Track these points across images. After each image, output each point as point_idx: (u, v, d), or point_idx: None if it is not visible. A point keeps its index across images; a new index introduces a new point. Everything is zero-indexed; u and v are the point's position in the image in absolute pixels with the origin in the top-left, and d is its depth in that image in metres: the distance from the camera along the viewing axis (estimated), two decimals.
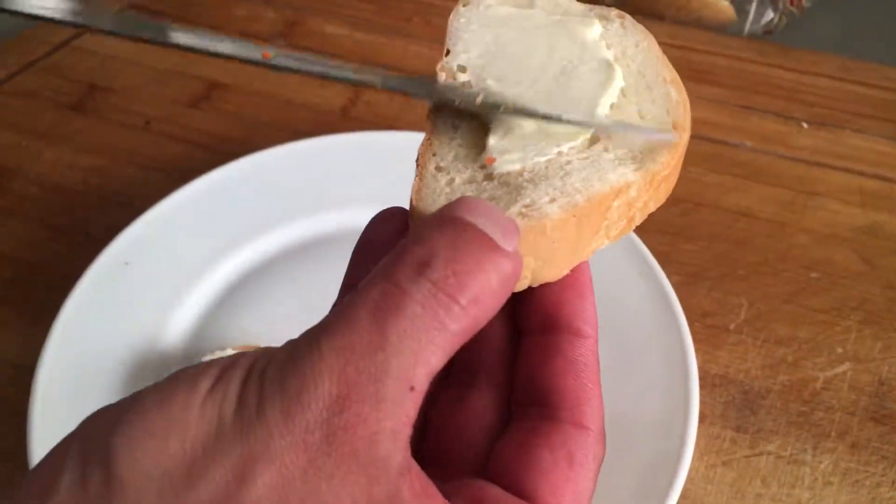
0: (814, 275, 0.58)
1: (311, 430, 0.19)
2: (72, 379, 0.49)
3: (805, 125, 0.71)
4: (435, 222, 0.21)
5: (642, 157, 0.26)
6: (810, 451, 0.48)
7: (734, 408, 0.50)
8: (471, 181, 0.25)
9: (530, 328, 0.26)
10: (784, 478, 0.47)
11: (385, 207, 0.28)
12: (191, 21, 0.85)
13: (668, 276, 0.53)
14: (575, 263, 0.25)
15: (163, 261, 0.56)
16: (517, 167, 0.25)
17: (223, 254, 0.57)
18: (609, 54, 0.29)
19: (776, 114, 0.72)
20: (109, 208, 0.64)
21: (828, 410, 0.50)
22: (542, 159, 0.25)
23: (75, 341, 0.50)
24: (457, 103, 0.26)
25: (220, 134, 0.71)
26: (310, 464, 0.19)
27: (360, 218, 0.59)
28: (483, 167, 0.26)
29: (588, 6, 0.32)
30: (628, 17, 0.31)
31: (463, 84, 0.27)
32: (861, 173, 0.66)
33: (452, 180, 0.25)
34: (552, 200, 0.24)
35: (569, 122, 0.26)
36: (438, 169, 0.26)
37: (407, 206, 0.26)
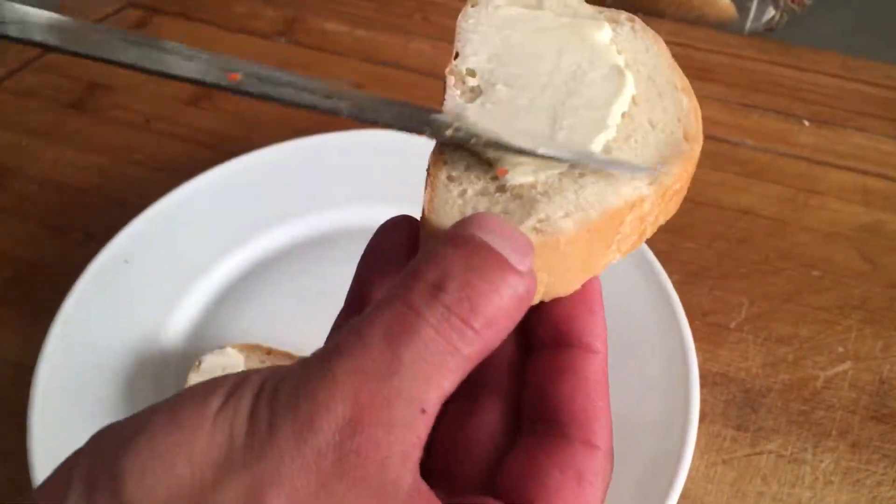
0: (815, 273, 0.58)
1: (323, 454, 0.19)
2: (71, 378, 0.48)
3: (806, 123, 0.71)
4: (449, 240, 0.21)
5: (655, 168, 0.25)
6: (811, 450, 0.48)
7: (735, 406, 0.50)
8: (483, 192, 0.25)
9: (540, 342, 0.26)
10: (785, 477, 0.47)
11: (393, 215, 0.28)
12: (190, 18, 0.85)
13: (669, 274, 0.53)
14: (587, 278, 0.25)
15: (163, 259, 0.56)
16: (530, 179, 0.25)
17: (223, 252, 0.57)
18: (620, 59, 0.29)
19: (777, 112, 0.72)
20: (109, 207, 0.64)
21: (829, 409, 0.50)
22: (556, 172, 0.25)
23: (75, 340, 0.50)
24: (427, 134, 0.26)
25: (220, 132, 0.71)
26: (321, 488, 0.19)
27: (360, 216, 0.59)
28: (495, 178, 0.25)
29: (597, 8, 0.31)
30: (638, 20, 0.31)
31: (431, 111, 0.27)
32: (863, 172, 0.66)
33: (465, 191, 0.25)
34: (566, 215, 0.24)
35: (545, 156, 0.25)
36: (450, 179, 0.25)
37: (409, 209, 0.26)
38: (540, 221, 0.24)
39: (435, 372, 0.20)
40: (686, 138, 0.27)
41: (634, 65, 0.29)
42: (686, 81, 0.29)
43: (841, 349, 0.53)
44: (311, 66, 0.78)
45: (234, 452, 0.19)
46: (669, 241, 0.59)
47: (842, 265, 0.58)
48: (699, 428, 0.46)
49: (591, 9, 0.31)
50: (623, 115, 0.27)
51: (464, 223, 0.22)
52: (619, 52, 0.29)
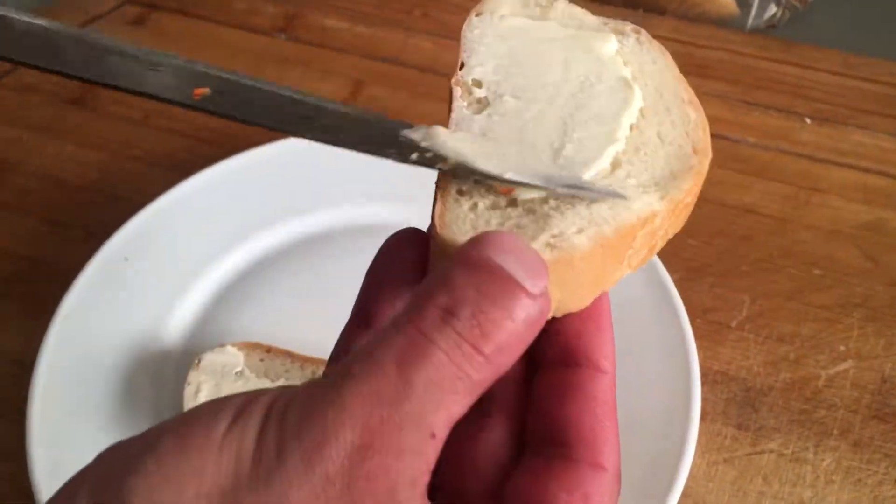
0: (817, 271, 0.58)
1: (332, 481, 0.19)
2: (71, 375, 0.48)
3: (808, 121, 0.71)
4: (462, 262, 0.21)
5: (665, 183, 0.25)
6: (812, 449, 0.48)
7: (735, 405, 0.50)
8: (494, 207, 0.25)
9: (548, 360, 0.26)
10: (786, 476, 0.47)
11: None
12: (188, 15, 0.85)
13: (670, 272, 0.52)
14: (598, 293, 0.25)
15: (162, 257, 0.55)
16: (536, 195, 0.25)
17: (223, 250, 0.57)
18: (626, 72, 0.29)
19: (779, 109, 0.72)
20: (109, 203, 0.64)
21: (830, 408, 0.50)
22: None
23: (75, 338, 0.50)
24: (392, 158, 0.25)
25: (220, 128, 0.71)
26: None
27: (361, 214, 0.59)
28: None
29: (603, 19, 0.31)
30: (644, 32, 0.31)
31: (402, 127, 0.26)
32: (864, 169, 0.66)
33: (475, 205, 0.25)
34: (580, 231, 0.24)
35: (511, 181, 0.25)
36: (460, 193, 0.25)
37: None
38: (553, 237, 0.23)
39: (445, 397, 0.20)
40: (695, 152, 0.26)
41: (641, 77, 0.29)
42: (693, 94, 0.29)
43: (842, 348, 0.53)
44: (311, 63, 0.78)
45: (242, 478, 0.19)
46: (670, 239, 0.59)
47: (843, 263, 0.58)
48: (700, 427, 0.45)
49: (596, 20, 0.31)
50: (632, 127, 0.27)
51: (477, 243, 0.21)
52: (625, 64, 0.29)
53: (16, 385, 0.49)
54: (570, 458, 0.24)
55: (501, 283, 0.20)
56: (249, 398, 0.20)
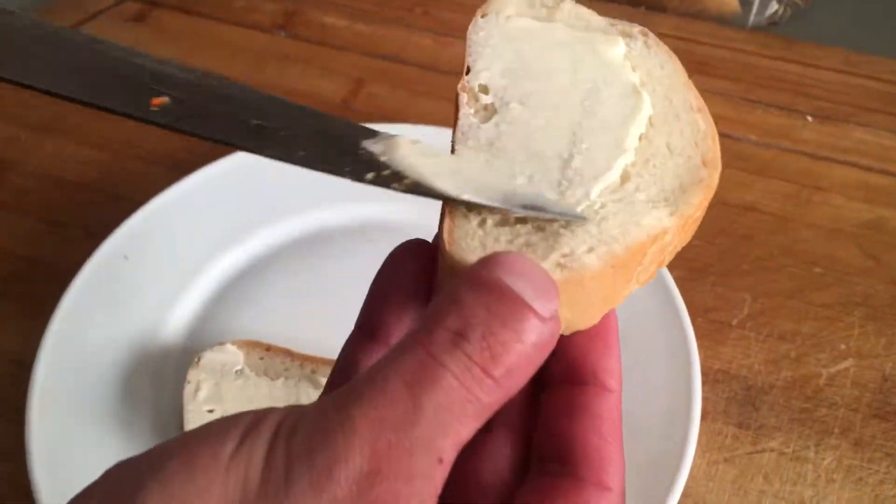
0: (818, 270, 0.58)
1: None
2: (70, 374, 0.48)
3: (809, 119, 0.70)
4: (472, 283, 0.21)
5: (675, 197, 0.25)
6: (813, 448, 0.48)
7: (736, 404, 0.50)
8: (503, 223, 0.24)
9: (554, 378, 0.25)
10: (787, 475, 0.47)
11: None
12: (188, 12, 0.84)
13: (671, 270, 0.52)
14: (607, 311, 0.25)
15: (162, 255, 0.55)
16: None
17: (223, 248, 0.57)
18: (635, 77, 0.28)
19: (780, 107, 0.71)
20: (108, 202, 0.63)
21: (831, 407, 0.50)
22: (578, 209, 0.24)
23: (74, 337, 0.50)
24: (348, 177, 0.25)
25: None
26: None
27: (360, 213, 0.59)
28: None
29: (610, 20, 0.31)
30: (651, 34, 0.30)
31: (363, 139, 0.25)
32: (866, 168, 0.66)
33: (484, 221, 0.24)
34: (590, 250, 0.23)
35: (471, 204, 0.24)
36: (469, 208, 0.25)
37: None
38: (564, 256, 0.23)
39: (454, 421, 0.19)
40: (704, 164, 0.26)
41: (649, 83, 0.28)
42: (702, 101, 0.28)
43: (843, 346, 0.53)
44: (311, 61, 0.78)
45: (249, 500, 0.19)
46: None
47: (844, 262, 0.58)
48: (700, 426, 0.45)
49: (603, 20, 0.31)
50: (641, 137, 0.26)
51: (488, 263, 0.21)
52: (633, 69, 0.29)
53: (15, 385, 0.49)
54: (575, 478, 0.24)
55: (512, 306, 0.20)
56: (258, 417, 0.20)
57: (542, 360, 0.21)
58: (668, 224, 0.24)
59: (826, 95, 0.73)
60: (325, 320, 0.53)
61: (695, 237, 0.25)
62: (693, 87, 0.29)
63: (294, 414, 0.20)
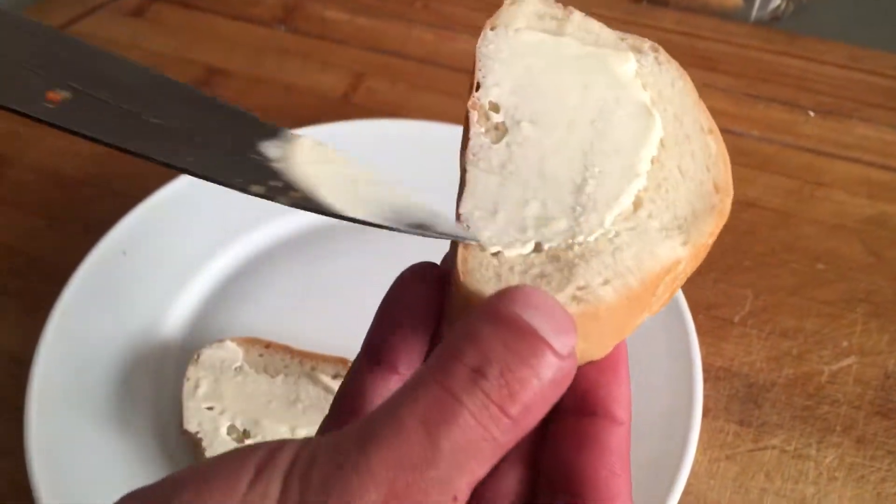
0: (820, 266, 0.57)
1: None
2: (69, 371, 0.48)
3: (812, 114, 0.70)
4: (490, 318, 0.20)
5: (687, 225, 0.25)
6: (815, 446, 0.48)
7: (738, 401, 0.50)
8: (518, 253, 0.24)
9: (564, 407, 0.25)
10: (788, 472, 0.46)
11: (414, 263, 0.27)
12: (188, 6, 0.84)
13: None
14: (619, 341, 0.25)
15: (161, 251, 0.55)
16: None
17: (222, 244, 0.57)
18: (646, 96, 0.28)
19: (783, 102, 0.71)
20: (107, 197, 0.63)
21: (833, 404, 0.50)
22: (592, 239, 0.24)
23: (73, 333, 0.50)
24: (236, 187, 0.24)
25: None
26: None
27: None
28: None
29: (620, 34, 0.30)
30: (662, 50, 0.30)
31: (260, 141, 0.24)
32: (868, 163, 0.65)
33: (499, 251, 0.24)
34: (606, 282, 0.23)
35: (362, 222, 0.24)
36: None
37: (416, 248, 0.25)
38: (579, 289, 0.23)
39: (470, 460, 0.19)
40: (716, 189, 0.26)
41: (660, 102, 0.28)
42: (713, 122, 0.28)
43: (846, 343, 0.53)
44: (311, 55, 0.78)
45: None
46: None
47: (847, 258, 0.58)
48: (702, 423, 0.45)
49: (613, 35, 0.30)
50: (653, 160, 0.26)
51: (505, 298, 0.21)
52: (644, 88, 0.28)
53: (13, 382, 0.49)
54: None
55: (530, 342, 0.20)
56: (272, 451, 0.20)
57: (558, 398, 0.21)
58: (681, 254, 0.24)
59: (829, 90, 0.72)
60: (325, 317, 0.53)
61: None
62: (703, 106, 0.28)
63: (309, 448, 0.19)
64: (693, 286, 0.54)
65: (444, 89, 0.72)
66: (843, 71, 0.74)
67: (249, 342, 0.49)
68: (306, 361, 0.49)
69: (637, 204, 0.25)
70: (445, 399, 0.19)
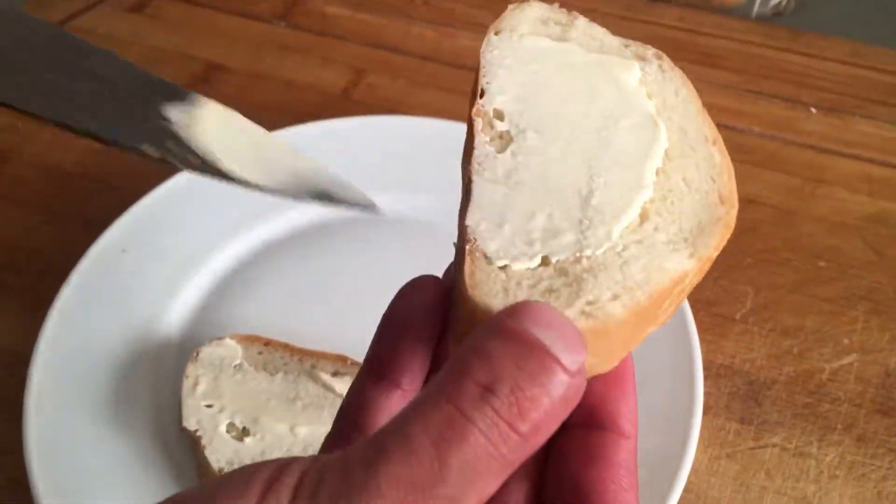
0: (821, 264, 0.57)
1: None
2: (68, 368, 0.48)
3: (813, 110, 0.70)
4: (499, 334, 0.20)
5: (693, 238, 0.25)
6: (816, 444, 0.47)
7: (739, 399, 0.50)
8: (526, 266, 0.24)
9: (571, 422, 0.25)
10: (789, 470, 0.46)
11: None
12: (189, 1, 0.84)
13: None
14: (625, 354, 0.25)
15: (161, 248, 0.55)
16: (568, 255, 0.24)
17: (221, 241, 0.56)
18: (651, 106, 0.28)
19: (784, 99, 0.71)
20: (107, 193, 0.63)
21: (834, 402, 0.49)
22: (600, 252, 0.24)
23: (72, 330, 0.49)
24: (135, 153, 0.23)
25: None
26: None
27: None
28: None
29: (624, 40, 0.30)
30: (666, 57, 0.30)
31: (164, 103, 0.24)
32: (869, 160, 0.65)
33: (506, 264, 0.24)
34: (615, 297, 0.23)
35: (258, 188, 0.23)
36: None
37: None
38: (588, 304, 0.23)
39: (479, 478, 0.19)
40: (721, 201, 0.26)
41: (665, 111, 0.28)
42: (716, 132, 0.28)
43: (847, 341, 0.52)
44: (311, 51, 0.77)
45: None
46: None
47: (848, 255, 0.58)
48: (703, 421, 0.45)
49: (617, 41, 0.30)
50: (658, 171, 0.26)
51: (515, 313, 0.21)
52: (649, 97, 0.28)
53: (12, 379, 0.49)
54: None
55: (541, 359, 0.20)
56: (280, 469, 0.19)
57: (567, 415, 0.21)
58: (688, 268, 0.24)
59: (830, 87, 0.72)
60: (325, 315, 0.53)
61: None
62: (707, 114, 0.28)
63: (317, 466, 0.19)
64: None
65: (445, 86, 0.72)
66: (844, 67, 0.74)
67: (249, 340, 0.49)
68: (306, 359, 0.49)
69: (643, 216, 0.25)
70: (455, 416, 0.19)
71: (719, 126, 0.27)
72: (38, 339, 0.48)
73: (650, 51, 0.30)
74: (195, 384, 0.47)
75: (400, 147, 0.59)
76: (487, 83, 0.28)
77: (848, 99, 0.71)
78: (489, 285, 0.23)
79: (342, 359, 0.48)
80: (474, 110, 0.27)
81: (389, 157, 0.59)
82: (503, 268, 0.24)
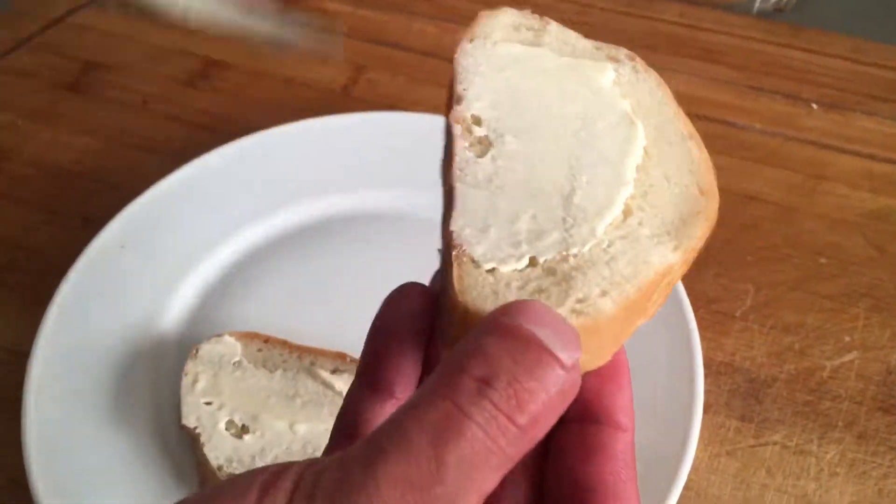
0: (822, 260, 0.57)
1: None
2: (67, 365, 0.48)
3: (815, 107, 0.69)
4: (494, 330, 0.20)
5: (676, 230, 0.25)
6: (816, 441, 0.47)
7: (739, 396, 0.50)
8: (513, 268, 0.24)
9: (567, 417, 0.25)
10: (789, 468, 0.46)
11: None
12: None
13: None
14: (617, 349, 0.25)
15: (160, 245, 0.55)
16: (554, 254, 0.24)
17: (221, 238, 0.56)
18: (626, 105, 0.28)
19: (785, 95, 0.71)
20: (106, 190, 0.63)
21: (835, 400, 0.49)
22: (586, 249, 0.24)
23: (71, 327, 0.49)
24: None
25: (218, 114, 0.70)
26: None
27: (359, 202, 0.58)
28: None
29: (596, 43, 0.31)
30: (639, 58, 0.30)
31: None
32: (871, 157, 0.65)
33: (494, 267, 0.24)
34: (604, 294, 0.23)
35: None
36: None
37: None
38: (578, 302, 0.23)
39: (478, 473, 0.19)
40: (702, 193, 0.26)
41: (640, 110, 0.28)
42: (692, 128, 0.28)
43: (848, 338, 0.52)
44: None
45: None
46: None
47: (849, 252, 0.58)
48: (703, 418, 0.45)
49: (589, 44, 0.31)
50: (638, 168, 0.27)
51: (510, 311, 0.21)
52: (623, 97, 0.29)
53: (11, 376, 0.49)
54: None
55: (537, 354, 0.20)
56: (276, 474, 0.19)
57: (564, 409, 0.21)
58: (673, 260, 0.24)
59: (832, 83, 0.72)
60: (324, 312, 0.53)
61: None
62: (682, 112, 0.29)
63: (314, 468, 0.19)
64: (694, 280, 0.54)
65: (446, 82, 0.72)
66: (846, 63, 0.74)
67: (248, 337, 0.49)
68: (305, 356, 0.49)
69: (626, 212, 0.25)
70: (452, 412, 0.19)
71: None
72: (38, 336, 0.48)
73: (622, 52, 0.30)
74: (194, 381, 0.47)
75: (400, 144, 0.59)
76: (464, 89, 0.28)
77: (849, 95, 0.70)
78: (478, 289, 0.23)
79: (341, 356, 0.48)
80: (452, 116, 0.27)
81: (390, 153, 0.59)
82: (491, 271, 0.24)
